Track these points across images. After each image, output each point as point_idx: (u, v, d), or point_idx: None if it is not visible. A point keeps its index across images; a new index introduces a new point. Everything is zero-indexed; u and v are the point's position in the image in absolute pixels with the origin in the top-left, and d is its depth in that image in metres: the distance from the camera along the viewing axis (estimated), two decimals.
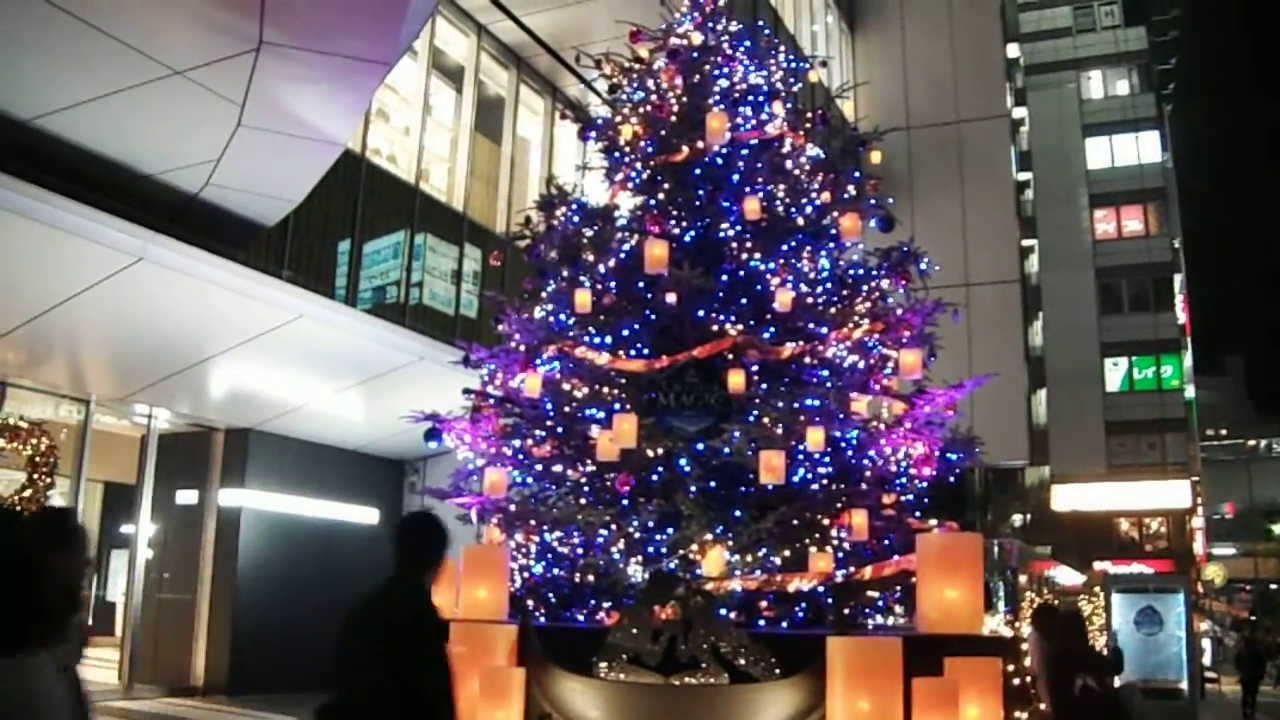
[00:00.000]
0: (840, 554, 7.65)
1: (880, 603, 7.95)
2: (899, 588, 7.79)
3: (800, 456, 7.62)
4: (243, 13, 9.14)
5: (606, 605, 7.63)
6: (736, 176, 8.74)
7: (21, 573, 3.18)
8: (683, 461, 7.82)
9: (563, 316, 8.54)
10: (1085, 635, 9.44)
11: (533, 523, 8.14)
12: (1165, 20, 55.31)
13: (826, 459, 7.76)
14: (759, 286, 8.35)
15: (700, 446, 7.83)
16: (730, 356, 7.87)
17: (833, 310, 8.44)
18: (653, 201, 8.86)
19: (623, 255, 8.60)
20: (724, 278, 8.33)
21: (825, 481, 7.79)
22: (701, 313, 8.06)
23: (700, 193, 8.75)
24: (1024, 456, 30.01)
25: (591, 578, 7.86)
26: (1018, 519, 37.03)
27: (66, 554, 3.64)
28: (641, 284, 8.29)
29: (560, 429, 8.27)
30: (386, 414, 13.05)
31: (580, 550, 7.97)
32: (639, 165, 9.04)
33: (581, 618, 7.72)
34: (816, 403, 7.59)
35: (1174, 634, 16.54)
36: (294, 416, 15.37)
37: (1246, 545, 61.12)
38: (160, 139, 10.99)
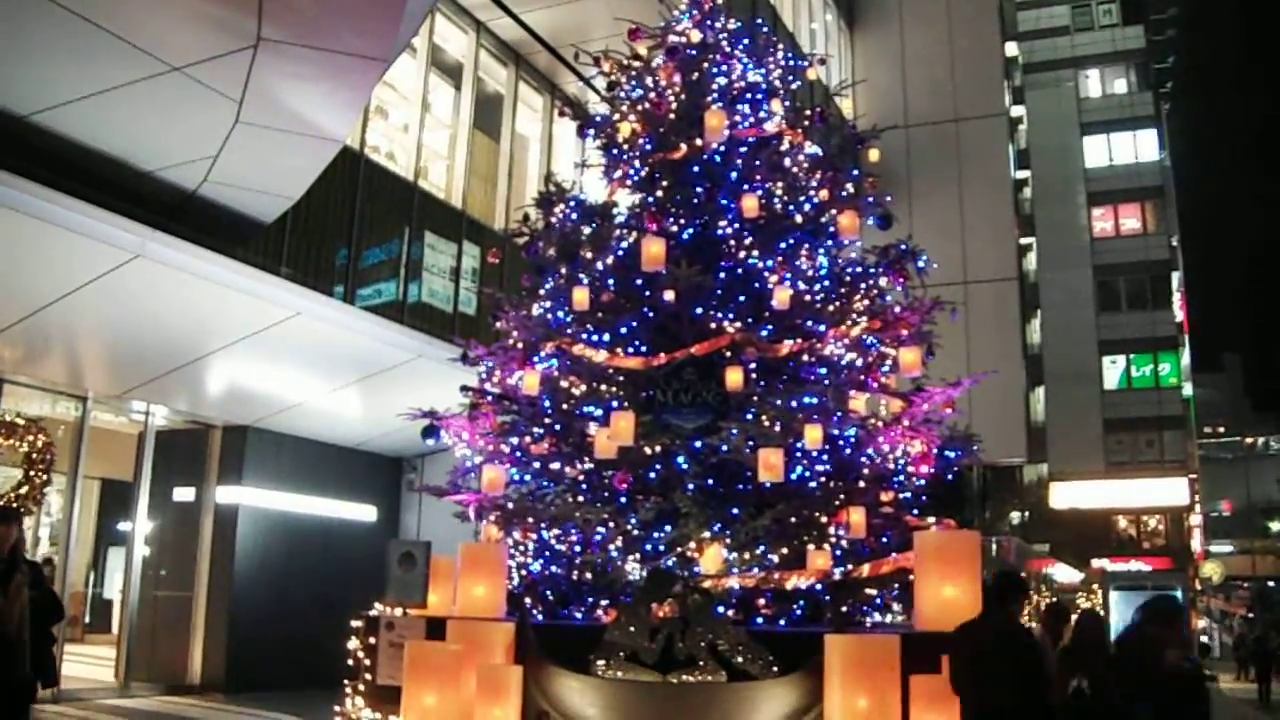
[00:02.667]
0: (838, 552, 7.65)
1: (878, 600, 7.95)
2: (897, 585, 7.79)
3: (798, 454, 7.62)
4: (241, 9, 9.13)
5: (604, 603, 7.64)
6: (735, 174, 8.72)
7: None
8: (681, 459, 7.82)
9: (561, 314, 8.53)
10: (1098, 634, 9.44)
11: (530, 520, 8.13)
12: (1163, 19, 55.47)
13: (824, 457, 7.75)
14: (757, 284, 8.34)
15: (698, 444, 7.82)
16: (728, 354, 7.86)
17: (831, 308, 8.43)
18: (651, 199, 8.85)
19: (621, 253, 8.59)
20: (722, 275, 8.32)
21: (823, 479, 7.78)
22: (700, 310, 8.06)
23: (699, 190, 8.73)
24: (1022, 454, 30.05)
25: (589, 575, 7.86)
26: (1016, 516, 37.07)
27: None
28: (640, 281, 8.28)
29: (558, 426, 8.27)
30: (384, 411, 13.04)
31: (578, 548, 7.97)
32: (637, 163, 9.03)
33: (579, 615, 7.73)
34: (814, 400, 7.59)
35: None
36: (292, 414, 15.36)
37: (1244, 542, 61.22)
38: (158, 135, 10.97)
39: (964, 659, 5.87)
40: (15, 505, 12.01)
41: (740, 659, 6.31)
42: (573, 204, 9.01)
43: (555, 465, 8.29)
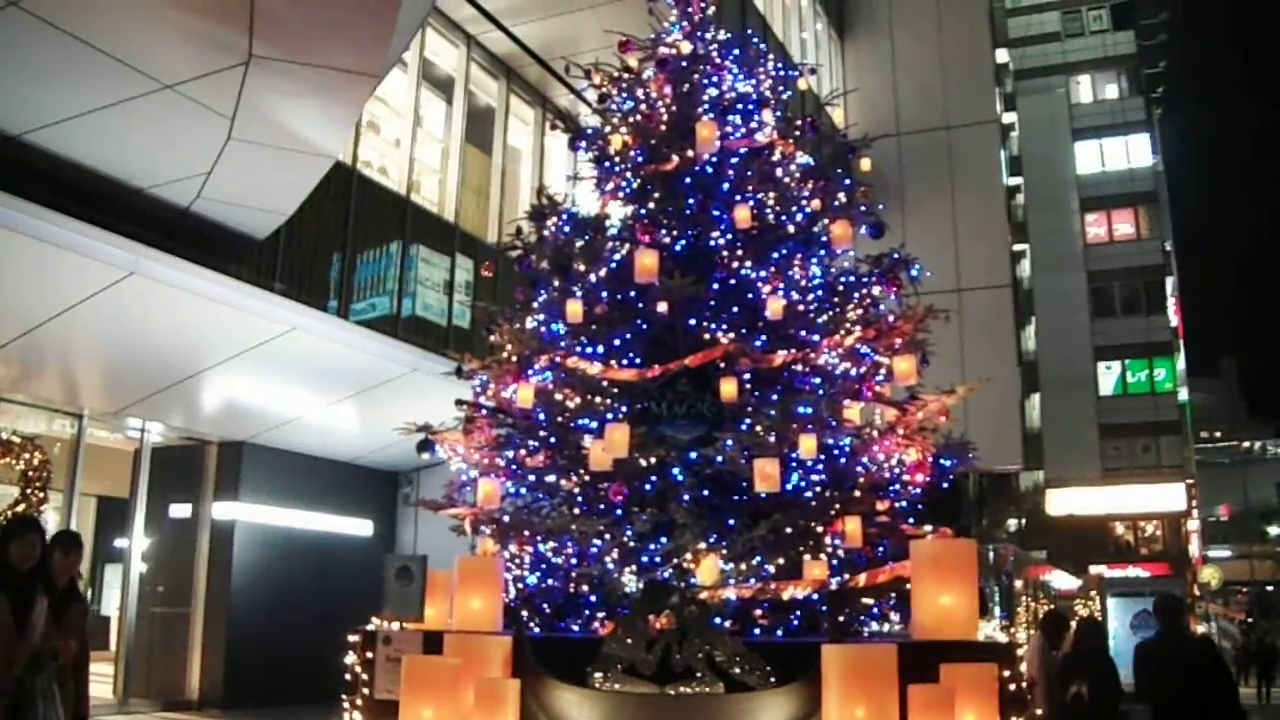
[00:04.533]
0: (834, 561, 7.64)
1: (875, 610, 7.94)
2: (893, 594, 7.77)
3: (793, 464, 7.61)
4: (232, 26, 9.15)
5: (601, 615, 7.62)
6: (727, 185, 8.73)
7: None
8: (676, 470, 7.81)
9: (554, 326, 8.53)
10: (1097, 640, 9.45)
11: (526, 533, 8.12)
12: (1153, 24, 55.62)
13: (819, 466, 7.75)
14: (750, 295, 8.34)
15: (693, 455, 7.82)
16: (722, 365, 7.85)
17: (824, 317, 8.43)
18: (643, 211, 8.84)
19: (614, 265, 8.59)
20: (715, 286, 8.31)
21: (818, 489, 7.77)
22: (693, 321, 8.06)
23: (691, 201, 8.73)
24: (1018, 461, 29.99)
25: (586, 588, 7.84)
26: (1013, 524, 37.00)
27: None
28: (633, 293, 8.28)
29: (553, 439, 8.26)
30: (380, 426, 13.05)
31: (574, 560, 7.96)
32: (629, 175, 9.03)
33: (576, 628, 7.72)
34: (809, 410, 7.58)
35: None
36: (287, 429, 15.35)
37: (1242, 547, 61.20)
38: (151, 153, 10.99)
39: (1164, 674, 6.73)
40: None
41: (737, 670, 6.31)
42: (565, 217, 9.01)
43: (551, 478, 8.28)
